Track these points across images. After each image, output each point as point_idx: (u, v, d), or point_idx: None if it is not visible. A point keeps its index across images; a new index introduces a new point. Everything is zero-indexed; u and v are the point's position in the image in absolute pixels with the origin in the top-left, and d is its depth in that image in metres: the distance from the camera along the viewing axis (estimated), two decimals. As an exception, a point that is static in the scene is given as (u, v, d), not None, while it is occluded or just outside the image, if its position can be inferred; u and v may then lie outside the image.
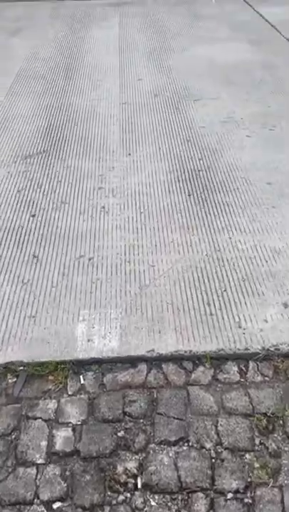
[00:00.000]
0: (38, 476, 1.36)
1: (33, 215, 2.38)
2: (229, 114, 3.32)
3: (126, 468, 1.37)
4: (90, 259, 2.10)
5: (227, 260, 2.08)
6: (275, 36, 4.86)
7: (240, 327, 1.77)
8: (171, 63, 4.23)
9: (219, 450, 1.41)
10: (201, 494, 1.31)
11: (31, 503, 1.30)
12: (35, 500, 1.31)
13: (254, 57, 4.33)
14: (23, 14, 5.74)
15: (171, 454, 1.40)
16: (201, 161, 2.81)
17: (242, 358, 1.67)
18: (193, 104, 3.49)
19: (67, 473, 1.37)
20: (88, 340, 1.72)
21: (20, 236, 2.24)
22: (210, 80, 3.87)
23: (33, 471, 1.38)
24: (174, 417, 1.50)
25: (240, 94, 3.62)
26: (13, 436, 1.46)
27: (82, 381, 1.62)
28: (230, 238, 2.21)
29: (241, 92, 3.65)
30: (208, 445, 1.43)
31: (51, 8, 5.98)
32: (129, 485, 1.34)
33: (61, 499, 1.31)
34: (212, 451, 1.41)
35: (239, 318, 1.81)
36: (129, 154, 2.87)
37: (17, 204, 2.46)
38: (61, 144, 3.00)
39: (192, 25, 5.25)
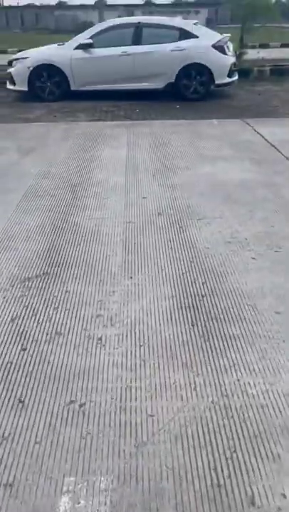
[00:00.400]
0: None
1: (24, 349, 2.20)
2: (233, 234, 3.29)
3: None
4: (81, 406, 1.87)
5: (236, 409, 1.84)
6: (275, 155, 5.08)
7: (253, 504, 1.48)
8: (175, 181, 4.35)
9: None
10: None
11: None
12: None
13: (256, 176, 4.46)
14: (37, 134, 6.16)
15: None
16: (205, 285, 2.69)
17: None
18: (197, 222, 3.49)
19: None
20: (71, 523, 1.43)
21: (7, 374, 2.04)
22: (213, 199, 3.93)
23: None
24: None
25: (244, 213, 3.64)
26: None
27: None
28: (238, 380, 1.99)
29: (244, 210, 3.67)
30: None
31: (64, 129, 6.44)
32: None
33: None
34: None
35: (252, 490, 1.52)
36: (131, 277, 2.78)
37: (9, 335, 2.30)
38: (62, 265, 2.93)
39: (196, 144, 5.55)
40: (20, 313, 2.47)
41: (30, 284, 2.74)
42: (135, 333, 2.30)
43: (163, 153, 5.23)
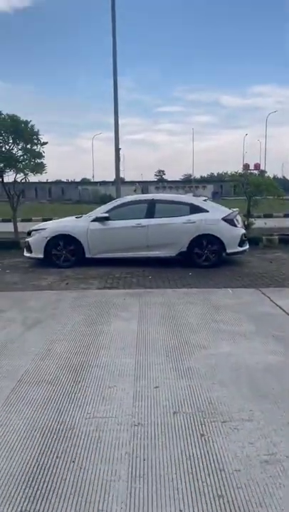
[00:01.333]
0: None
1: None
2: (269, 448, 2.56)
3: None
4: None
5: None
6: (300, 332, 4.58)
7: None
8: (191, 365, 3.78)
9: None
10: None
11: None
12: None
13: (284, 358, 3.89)
14: (46, 303, 5.88)
15: None
16: None
17: None
18: (222, 427, 2.80)
19: None
20: None
21: None
22: (237, 390, 3.29)
23: None
24: None
25: (278, 413, 2.96)
26: None
27: None
28: None
29: (278, 410, 3.00)
30: None
31: (75, 297, 6.19)
32: None
33: None
34: None
35: None
36: (138, 523, 2.00)
37: None
38: (47, 499, 2.19)
39: (211, 317, 5.14)
40: None
41: (-1, 533, 1.98)
42: None
43: (177, 327, 4.78)
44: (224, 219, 8.40)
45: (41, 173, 11.19)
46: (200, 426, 2.83)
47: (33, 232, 8.70)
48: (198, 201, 8.71)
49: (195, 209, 8.52)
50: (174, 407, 3.07)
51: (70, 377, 3.59)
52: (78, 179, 61.99)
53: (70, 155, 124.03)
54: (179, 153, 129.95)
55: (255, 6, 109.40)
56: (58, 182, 58.33)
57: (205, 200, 8.96)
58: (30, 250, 8.62)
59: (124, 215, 8.58)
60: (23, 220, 20.15)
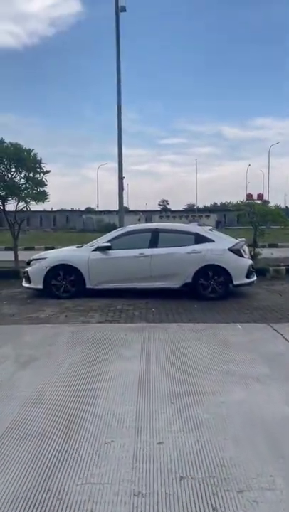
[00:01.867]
0: None
1: None
2: (297, 530, 2.11)
3: None
4: None
5: None
6: None
7: None
8: (199, 414, 3.34)
9: None
10: None
11: None
12: None
13: (303, 408, 3.44)
14: (43, 339, 5.46)
15: None
16: None
17: None
18: (238, 499, 2.34)
19: None
20: None
21: None
22: (253, 449, 2.84)
23: None
24: None
25: (303, 480, 2.50)
26: None
27: None
28: None
29: (303, 476, 2.54)
30: None
31: (73, 332, 5.77)
32: None
33: None
34: None
35: None
36: None
37: None
38: None
39: (220, 357, 4.70)
40: None
41: None
42: None
43: (183, 368, 4.34)
44: (231, 249, 8.05)
45: (43, 202, 10.97)
46: (211, 496, 2.37)
47: (32, 262, 8.36)
48: (203, 231, 8.38)
49: (200, 239, 8.19)
50: (181, 470, 2.62)
51: (62, 429, 3.14)
52: (83, 208, 62.29)
53: (75, 185, 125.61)
54: (182, 183, 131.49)
55: (255, 39, 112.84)
56: (63, 211, 58.68)
57: (210, 230, 8.65)
58: (29, 280, 8.26)
59: (126, 245, 8.26)
60: (26, 249, 19.93)
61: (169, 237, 8.36)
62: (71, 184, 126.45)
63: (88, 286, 8.08)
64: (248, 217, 10.97)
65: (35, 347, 5.13)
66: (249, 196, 61.85)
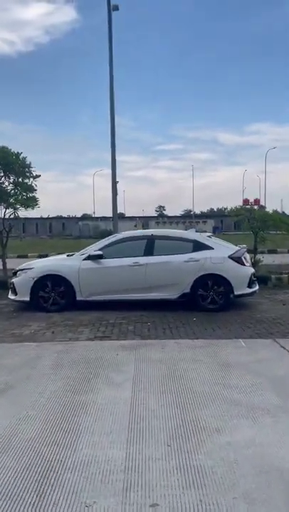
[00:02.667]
0: None
1: None
2: None
3: None
4: None
5: None
6: None
7: None
8: (201, 461, 2.75)
9: None
10: None
11: None
12: None
13: None
14: (24, 361, 4.85)
15: None
16: None
17: None
18: None
19: None
20: None
21: None
22: (271, 514, 2.25)
23: None
24: None
25: None
26: None
27: None
28: None
29: None
30: None
31: (58, 352, 5.17)
32: None
33: None
34: None
35: None
36: None
37: None
38: None
39: (223, 381, 4.11)
40: None
41: None
42: None
43: (180, 397, 3.75)
44: (231, 257, 7.49)
45: (33, 208, 10.38)
46: None
47: (18, 273, 7.76)
48: (202, 237, 7.82)
49: (199, 246, 7.62)
50: None
51: (33, 487, 2.54)
52: (80, 215, 61.76)
53: (72, 191, 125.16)
54: (178, 189, 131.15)
55: (252, 46, 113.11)
56: (59, 217, 58.11)
57: (209, 237, 8.08)
58: (15, 292, 7.65)
59: (120, 253, 7.69)
60: (19, 257, 19.35)
61: (166, 245, 7.80)
62: (68, 191, 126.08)
63: (79, 298, 7.49)
64: (248, 222, 10.42)
65: (13, 371, 4.53)
66: (246, 201, 61.60)
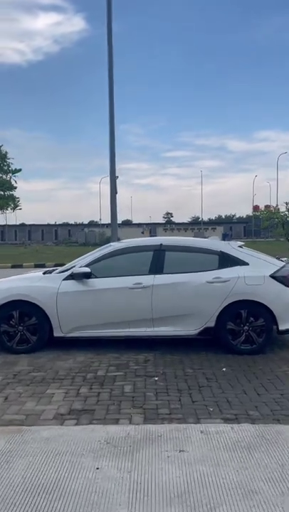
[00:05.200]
0: None
1: None
2: None
3: None
4: None
5: None
6: None
7: None
8: None
9: None
10: None
11: None
12: None
13: None
14: None
15: None
16: None
17: None
18: None
19: None
20: None
21: None
22: None
23: None
24: None
25: None
26: None
27: None
28: None
29: None
30: None
31: (6, 440, 2.81)
32: None
33: None
34: None
35: None
36: None
37: None
38: None
39: None
40: None
41: None
42: None
43: None
44: (274, 276, 5.10)
45: (13, 210, 8.12)
46: None
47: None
48: (231, 248, 5.43)
49: (227, 260, 5.26)
50: None
51: None
52: (86, 222, 59.59)
53: (80, 198, 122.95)
54: (186, 196, 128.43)
55: (259, 52, 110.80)
56: (65, 224, 56.00)
57: (241, 247, 5.68)
58: None
59: (116, 270, 5.36)
60: (13, 267, 17.14)
61: (180, 258, 5.45)
62: (76, 198, 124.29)
63: (57, 334, 5.14)
64: (283, 228, 8.01)
65: None
66: (256, 208, 59.00)
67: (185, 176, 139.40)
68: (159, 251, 5.36)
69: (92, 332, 5.17)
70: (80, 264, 5.37)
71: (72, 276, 5.19)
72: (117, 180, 10.86)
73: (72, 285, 5.16)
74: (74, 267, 5.36)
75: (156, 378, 4.29)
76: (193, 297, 5.08)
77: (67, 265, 5.63)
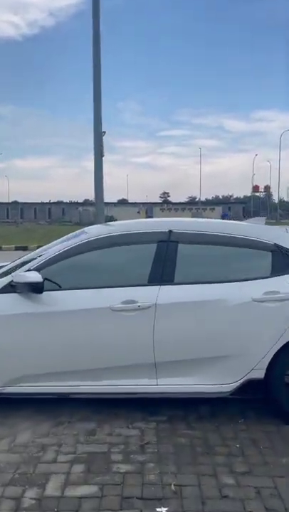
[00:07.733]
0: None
1: None
2: None
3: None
4: None
5: None
6: None
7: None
8: None
9: None
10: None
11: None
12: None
13: None
14: None
15: None
16: None
17: None
18: None
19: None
20: None
21: None
22: None
23: None
24: None
25: None
26: None
27: None
28: None
29: None
30: None
31: None
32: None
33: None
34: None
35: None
36: None
37: None
38: None
39: None
40: None
41: None
42: None
43: None
44: None
45: None
46: None
47: None
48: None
49: (287, 260, 2.91)
50: None
51: None
52: (82, 200, 56.82)
53: (76, 177, 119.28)
54: (183, 175, 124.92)
55: (257, 33, 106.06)
56: (59, 203, 53.21)
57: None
58: None
59: (91, 276, 3.00)
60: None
61: (204, 257, 3.10)
62: (71, 176, 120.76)
63: (-16, 389, 2.82)
64: None
65: None
66: (256, 188, 56.47)
67: (182, 155, 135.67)
68: (168, 243, 2.98)
69: (45, 386, 2.85)
70: (26, 266, 2.98)
71: (12, 288, 2.83)
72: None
73: (12, 303, 2.81)
74: (24, 265, 3.00)
75: (166, 510, 2.01)
76: (227, 327, 2.77)
77: (18, 261, 3.29)
